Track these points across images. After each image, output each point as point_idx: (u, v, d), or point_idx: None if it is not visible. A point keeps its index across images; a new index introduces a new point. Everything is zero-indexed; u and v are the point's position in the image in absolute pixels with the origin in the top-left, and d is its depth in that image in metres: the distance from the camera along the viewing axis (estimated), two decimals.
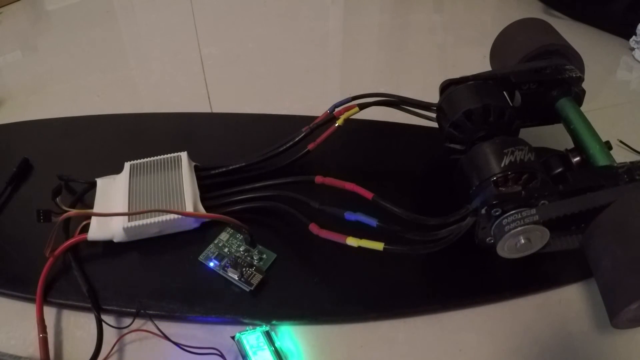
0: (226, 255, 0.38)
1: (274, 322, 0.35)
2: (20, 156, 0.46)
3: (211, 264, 0.38)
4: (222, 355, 0.32)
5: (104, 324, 0.34)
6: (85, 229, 0.39)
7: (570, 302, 0.37)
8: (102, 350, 0.33)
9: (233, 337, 0.33)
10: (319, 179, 0.39)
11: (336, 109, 0.43)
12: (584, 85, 0.42)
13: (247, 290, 0.36)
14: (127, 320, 0.35)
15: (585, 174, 0.35)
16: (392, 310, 0.36)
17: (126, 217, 0.38)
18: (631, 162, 0.34)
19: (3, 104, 0.57)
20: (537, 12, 0.72)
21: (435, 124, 0.44)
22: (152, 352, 0.34)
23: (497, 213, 0.33)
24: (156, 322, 0.34)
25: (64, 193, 0.42)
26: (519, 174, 0.34)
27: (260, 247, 0.39)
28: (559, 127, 0.42)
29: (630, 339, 0.35)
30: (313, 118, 0.44)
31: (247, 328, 0.34)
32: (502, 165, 0.34)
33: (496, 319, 0.36)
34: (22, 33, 0.72)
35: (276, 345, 0.33)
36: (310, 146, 0.42)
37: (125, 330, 0.35)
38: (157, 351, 0.34)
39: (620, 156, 0.47)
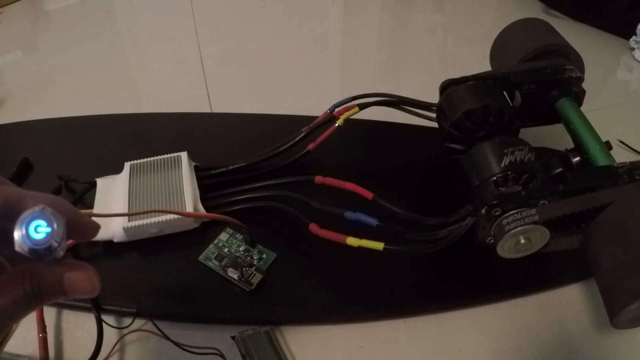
0: (226, 255, 0.38)
1: (274, 322, 0.35)
2: (20, 156, 0.46)
3: (211, 264, 0.37)
4: (222, 355, 0.32)
5: (104, 324, 0.34)
6: None
7: (570, 302, 0.37)
8: (102, 350, 0.33)
9: (233, 337, 0.33)
10: (319, 178, 0.39)
11: (336, 109, 0.43)
12: (584, 85, 0.42)
13: (248, 290, 0.36)
14: (127, 321, 0.35)
15: (585, 174, 0.35)
16: (392, 310, 0.36)
17: (126, 217, 0.38)
18: (631, 162, 0.34)
19: (3, 104, 0.57)
20: (537, 12, 0.72)
21: (435, 124, 0.44)
22: (152, 352, 0.34)
23: (497, 213, 0.33)
24: (156, 322, 0.34)
25: (64, 193, 0.43)
26: (519, 174, 0.34)
27: (260, 246, 0.39)
28: (559, 127, 0.42)
29: (630, 339, 0.35)
30: (313, 118, 0.44)
31: (248, 328, 0.34)
32: (502, 165, 0.34)
33: (496, 319, 0.36)
34: (22, 33, 0.72)
35: (276, 345, 0.33)
36: (310, 146, 0.42)
37: (126, 331, 0.35)
38: (157, 351, 0.34)
39: (620, 156, 0.47)
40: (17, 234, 0.20)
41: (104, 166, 0.44)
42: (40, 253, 0.20)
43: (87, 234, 0.23)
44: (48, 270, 0.21)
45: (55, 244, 0.20)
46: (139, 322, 0.35)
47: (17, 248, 0.20)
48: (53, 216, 0.20)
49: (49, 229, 0.20)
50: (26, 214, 0.20)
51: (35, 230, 0.20)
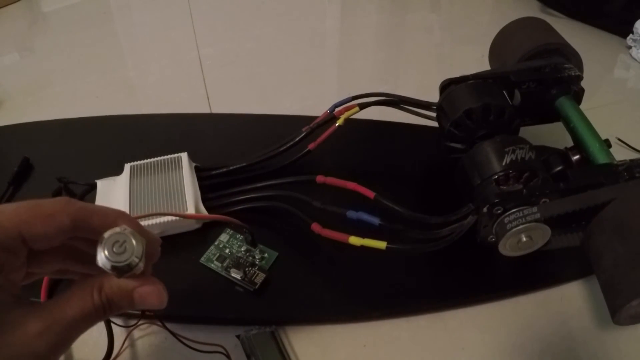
0: (227, 256, 0.38)
1: (277, 321, 0.35)
2: (19, 158, 0.46)
3: (212, 266, 0.37)
4: (227, 354, 0.32)
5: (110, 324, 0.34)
6: None
7: (571, 299, 0.37)
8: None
9: (238, 336, 0.33)
10: (320, 178, 0.39)
11: (336, 109, 0.44)
12: (583, 83, 0.42)
13: (251, 289, 0.36)
14: (132, 322, 0.35)
15: (585, 172, 0.35)
16: (395, 309, 0.36)
17: None
18: (630, 160, 0.34)
19: (1, 106, 0.57)
20: (534, 11, 0.72)
21: (435, 123, 0.44)
22: (158, 351, 0.34)
23: (498, 211, 0.33)
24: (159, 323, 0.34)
25: (64, 195, 0.42)
26: (520, 173, 0.34)
27: (261, 246, 0.39)
28: (559, 126, 0.42)
29: (631, 336, 0.35)
30: (313, 118, 0.44)
31: (252, 327, 0.34)
32: (503, 163, 0.34)
33: (498, 316, 0.36)
34: (19, 35, 0.71)
35: (280, 345, 0.33)
36: (311, 146, 0.42)
37: (132, 323, 0.35)
38: (163, 349, 0.34)
39: (619, 154, 0.46)
40: (99, 253, 0.21)
41: (104, 168, 0.44)
42: (121, 270, 0.21)
43: (154, 252, 0.24)
44: (119, 283, 0.22)
45: (136, 261, 0.21)
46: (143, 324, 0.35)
47: (99, 265, 0.21)
48: (133, 235, 0.21)
49: (130, 248, 0.21)
50: (108, 233, 0.21)
51: (115, 249, 0.21)
